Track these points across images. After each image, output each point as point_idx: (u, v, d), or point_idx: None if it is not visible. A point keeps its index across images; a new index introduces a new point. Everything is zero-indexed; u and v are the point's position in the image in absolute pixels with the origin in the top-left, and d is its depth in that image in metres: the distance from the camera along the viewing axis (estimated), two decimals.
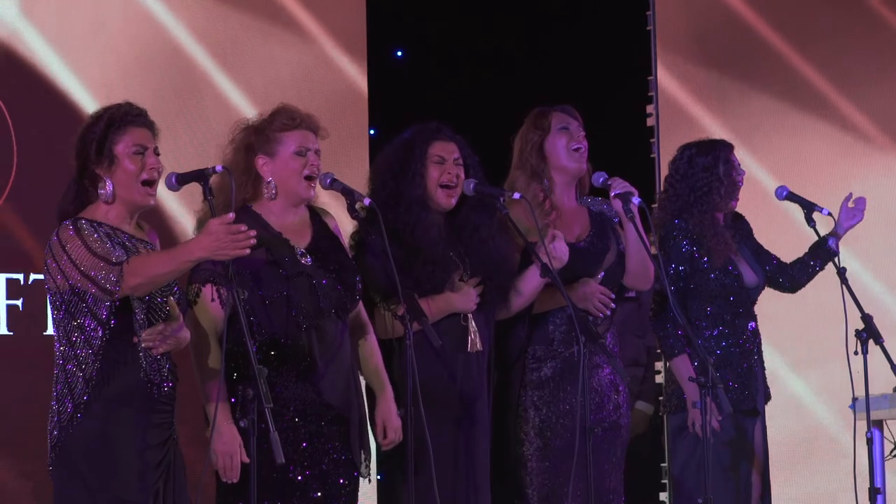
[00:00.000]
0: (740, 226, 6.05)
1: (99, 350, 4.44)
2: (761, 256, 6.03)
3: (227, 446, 4.61)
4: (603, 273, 5.48)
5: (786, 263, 6.03)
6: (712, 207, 5.88)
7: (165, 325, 4.51)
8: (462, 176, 5.26)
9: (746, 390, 5.87)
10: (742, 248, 5.98)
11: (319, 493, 4.77)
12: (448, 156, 5.26)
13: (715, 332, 5.88)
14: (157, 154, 4.61)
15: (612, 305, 5.46)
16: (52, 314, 4.56)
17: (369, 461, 4.95)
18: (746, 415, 5.87)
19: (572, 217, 5.54)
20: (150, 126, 4.63)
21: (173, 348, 4.54)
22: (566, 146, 5.52)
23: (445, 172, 5.25)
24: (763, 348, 5.98)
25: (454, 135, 5.32)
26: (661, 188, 6.10)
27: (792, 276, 6.01)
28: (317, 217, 5.01)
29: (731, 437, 5.81)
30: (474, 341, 5.21)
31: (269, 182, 4.90)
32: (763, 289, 6.02)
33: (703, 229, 5.85)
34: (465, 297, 5.20)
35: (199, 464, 4.64)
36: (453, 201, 5.26)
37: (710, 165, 5.91)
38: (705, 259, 5.85)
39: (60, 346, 4.50)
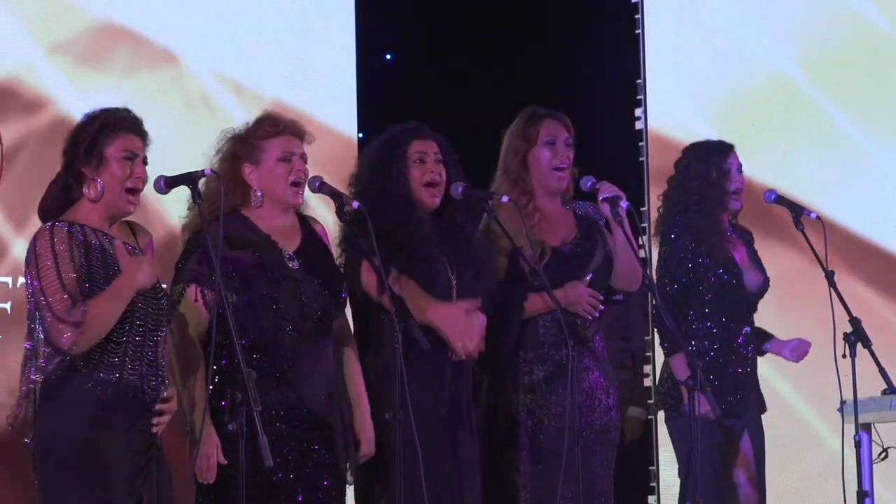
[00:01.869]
0: (745, 235, 6.09)
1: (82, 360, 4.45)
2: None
3: (205, 447, 4.62)
4: (591, 275, 5.49)
5: None
6: (709, 212, 5.92)
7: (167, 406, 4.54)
8: (444, 174, 5.27)
9: (738, 393, 5.89)
10: (749, 251, 6.02)
11: (303, 497, 4.77)
12: (429, 153, 5.26)
13: (710, 333, 5.90)
14: (146, 164, 4.62)
15: (601, 307, 5.47)
16: (29, 311, 4.55)
17: (353, 468, 4.95)
18: (736, 418, 5.89)
19: (557, 220, 5.54)
20: (142, 135, 4.64)
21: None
22: (549, 163, 5.52)
23: (428, 171, 5.24)
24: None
25: (433, 133, 5.32)
26: (666, 188, 6.13)
27: None
28: (306, 223, 5.01)
29: (719, 441, 5.83)
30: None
31: (255, 191, 4.90)
32: (764, 294, 6.04)
33: (704, 227, 5.89)
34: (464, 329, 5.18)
35: (180, 464, 4.66)
36: (437, 200, 5.26)
37: (703, 173, 5.97)
38: (706, 259, 5.89)
39: (28, 343, 4.51)
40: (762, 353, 6.09)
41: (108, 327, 4.44)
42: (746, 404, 5.93)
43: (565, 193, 5.62)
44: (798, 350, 6.06)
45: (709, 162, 6.00)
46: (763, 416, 6.09)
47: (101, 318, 4.43)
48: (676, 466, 6.05)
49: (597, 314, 5.45)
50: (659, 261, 6.01)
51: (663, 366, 6.05)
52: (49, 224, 4.52)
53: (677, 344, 5.71)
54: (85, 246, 4.49)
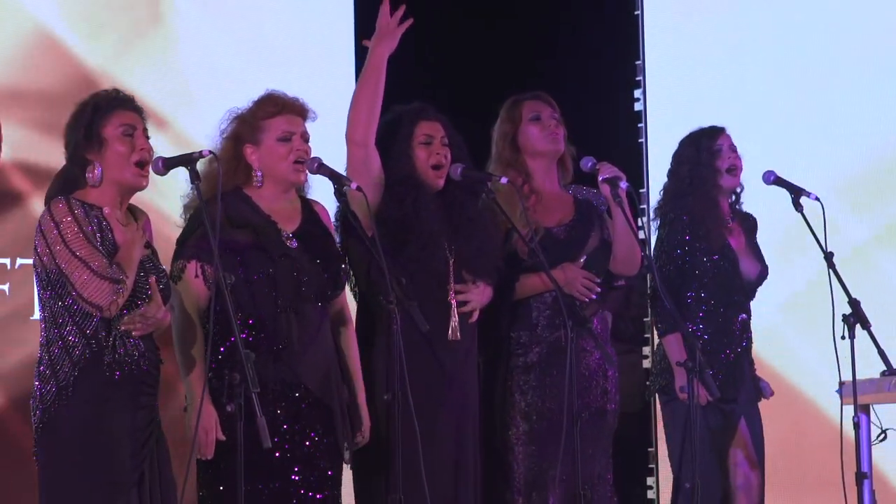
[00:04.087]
0: (747, 222, 6.09)
1: (91, 334, 4.45)
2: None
3: (203, 422, 4.62)
4: (585, 256, 5.48)
5: None
6: (703, 196, 5.92)
7: (146, 308, 4.51)
8: (449, 156, 5.26)
9: (729, 379, 5.88)
10: (749, 240, 6.02)
11: (301, 476, 4.78)
12: (435, 136, 5.26)
13: (705, 317, 5.89)
14: (147, 137, 4.62)
15: (598, 290, 5.45)
16: (39, 293, 4.55)
17: (350, 449, 4.95)
18: (729, 403, 5.88)
19: (554, 202, 5.54)
20: (137, 110, 4.65)
21: (153, 330, 4.55)
22: (539, 134, 5.53)
23: (434, 153, 5.24)
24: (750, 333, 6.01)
25: (438, 114, 5.32)
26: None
27: None
28: (307, 205, 5.02)
29: (716, 423, 5.83)
30: (455, 329, 5.19)
31: (255, 172, 4.90)
32: (761, 283, 6.04)
33: (700, 210, 5.90)
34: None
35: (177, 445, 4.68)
36: (441, 182, 5.26)
37: (692, 156, 5.99)
38: (702, 243, 5.89)
39: (46, 326, 4.50)
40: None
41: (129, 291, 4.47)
42: (738, 389, 5.91)
43: (565, 176, 5.61)
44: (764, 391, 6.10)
45: (698, 146, 6.04)
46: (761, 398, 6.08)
47: (132, 279, 4.45)
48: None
49: (593, 296, 5.44)
50: (657, 242, 6.02)
51: (658, 347, 6.05)
52: (59, 196, 4.53)
53: (673, 325, 5.72)
54: (87, 217, 4.51)
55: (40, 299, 4.56)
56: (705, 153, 5.99)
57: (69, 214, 4.48)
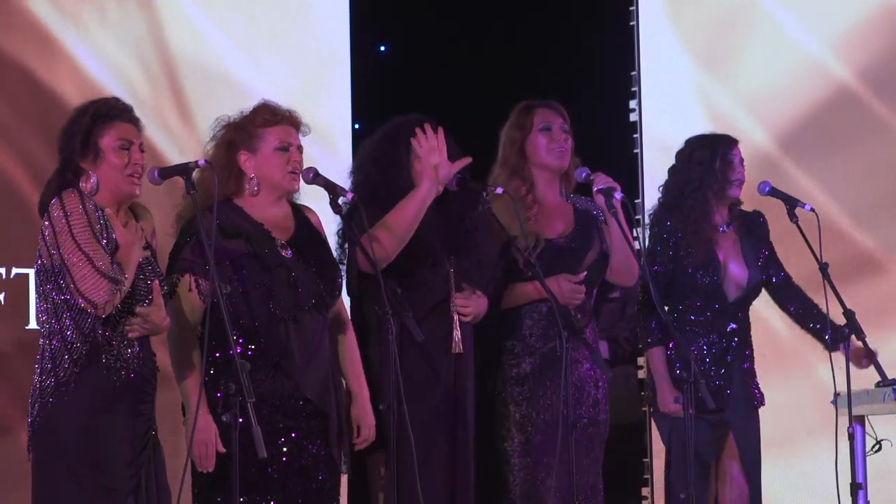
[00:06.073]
0: (752, 225, 6.02)
1: (88, 332, 4.45)
2: (770, 263, 6.00)
3: (203, 434, 4.63)
4: (585, 272, 5.48)
5: (794, 285, 6.00)
6: (703, 201, 5.88)
7: (148, 310, 4.52)
8: None
9: (716, 384, 5.85)
10: (744, 246, 5.95)
11: (299, 488, 4.77)
12: None
13: (690, 328, 5.87)
14: (143, 150, 4.62)
15: (582, 296, 5.44)
16: (39, 286, 4.53)
17: (348, 457, 4.95)
18: (717, 414, 5.86)
19: (555, 212, 5.55)
20: (135, 122, 4.65)
21: (150, 333, 4.54)
22: (546, 146, 5.53)
23: None
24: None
25: (436, 127, 5.32)
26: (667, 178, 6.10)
27: (789, 303, 6.00)
28: (300, 213, 5.02)
29: (704, 435, 5.81)
30: (458, 342, 5.20)
31: (251, 178, 4.91)
32: (756, 292, 5.97)
33: (693, 216, 5.86)
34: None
35: (175, 454, 4.67)
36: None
37: (706, 160, 5.92)
38: (687, 251, 5.86)
39: (47, 318, 4.49)
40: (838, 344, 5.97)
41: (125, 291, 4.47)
42: (725, 399, 5.86)
43: (567, 185, 5.62)
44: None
45: (714, 150, 5.95)
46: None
47: (129, 281, 4.45)
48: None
49: (576, 303, 5.42)
50: (646, 254, 5.99)
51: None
52: (71, 189, 4.52)
53: (655, 338, 5.71)
54: (96, 212, 4.52)
55: (42, 292, 4.54)
56: (720, 161, 5.92)
57: (80, 206, 4.48)
